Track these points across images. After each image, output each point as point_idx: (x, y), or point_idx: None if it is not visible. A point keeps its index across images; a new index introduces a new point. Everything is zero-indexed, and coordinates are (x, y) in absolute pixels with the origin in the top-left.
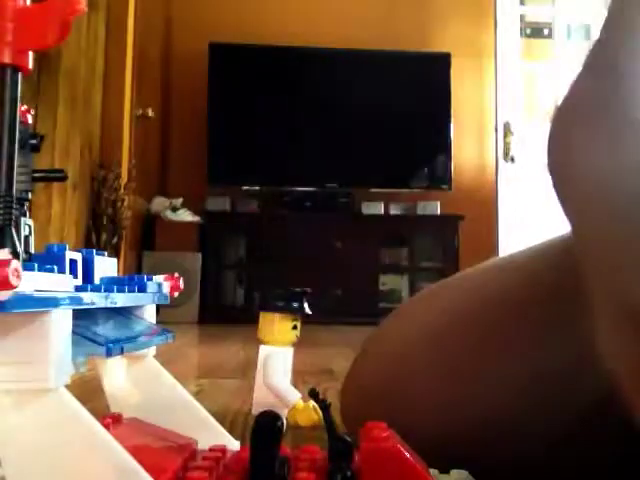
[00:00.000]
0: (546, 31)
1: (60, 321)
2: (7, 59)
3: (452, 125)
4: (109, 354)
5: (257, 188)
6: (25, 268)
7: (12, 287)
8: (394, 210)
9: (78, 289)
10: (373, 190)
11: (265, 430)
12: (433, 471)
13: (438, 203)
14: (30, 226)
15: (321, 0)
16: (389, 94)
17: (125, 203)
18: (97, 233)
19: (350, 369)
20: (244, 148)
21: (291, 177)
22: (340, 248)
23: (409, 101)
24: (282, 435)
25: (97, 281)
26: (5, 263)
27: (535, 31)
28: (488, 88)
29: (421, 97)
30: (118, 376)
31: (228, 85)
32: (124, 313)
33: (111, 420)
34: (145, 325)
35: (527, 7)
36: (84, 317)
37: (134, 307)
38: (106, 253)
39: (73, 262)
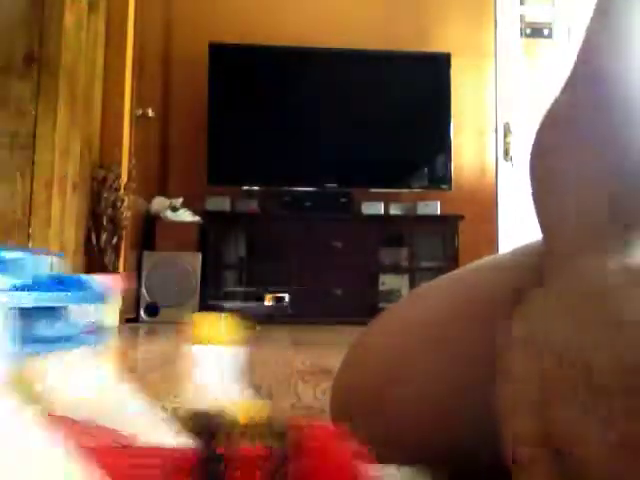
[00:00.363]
0: (546, 31)
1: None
2: None
3: (452, 125)
4: (26, 353)
5: (257, 188)
6: None
7: None
8: (394, 210)
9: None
10: (373, 190)
11: (201, 428)
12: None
13: (438, 203)
14: None
15: (321, 0)
16: (389, 94)
17: (125, 203)
18: (97, 233)
19: (338, 371)
20: (244, 148)
21: (291, 177)
22: (340, 248)
23: (409, 101)
24: (219, 433)
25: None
26: None
27: (535, 31)
28: (488, 88)
29: (421, 97)
30: (59, 374)
31: (228, 85)
32: (56, 313)
33: (61, 420)
34: (74, 324)
35: (527, 7)
36: (21, 317)
37: (69, 306)
38: (45, 251)
39: (5, 261)
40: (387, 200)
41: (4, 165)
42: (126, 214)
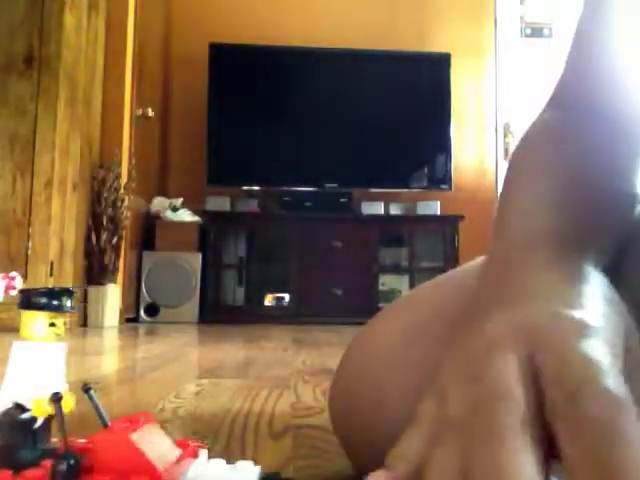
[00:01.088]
0: (546, 31)
1: None
2: None
3: (452, 125)
4: None
5: (257, 188)
6: None
7: None
8: (394, 210)
9: None
10: (373, 190)
11: (6, 422)
12: (218, 460)
13: (438, 203)
14: None
15: (321, 1)
16: (389, 94)
17: (125, 203)
18: (97, 233)
19: (337, 370)
20: (244, 148)
21: (291, 177)
22: (340, 248)
23: (409, 101)
24: (29, 426)
25: None
26: None
27: (535, 31)
28: (488, 88)
29: (421, 97)
30: None
31: (228, 85)
32: None
33: None
34: None
35: (527, 7)
36: None
37: None
38: None
39: None
40: (387, 200)
41: (4, 165)
42: (126, 214)
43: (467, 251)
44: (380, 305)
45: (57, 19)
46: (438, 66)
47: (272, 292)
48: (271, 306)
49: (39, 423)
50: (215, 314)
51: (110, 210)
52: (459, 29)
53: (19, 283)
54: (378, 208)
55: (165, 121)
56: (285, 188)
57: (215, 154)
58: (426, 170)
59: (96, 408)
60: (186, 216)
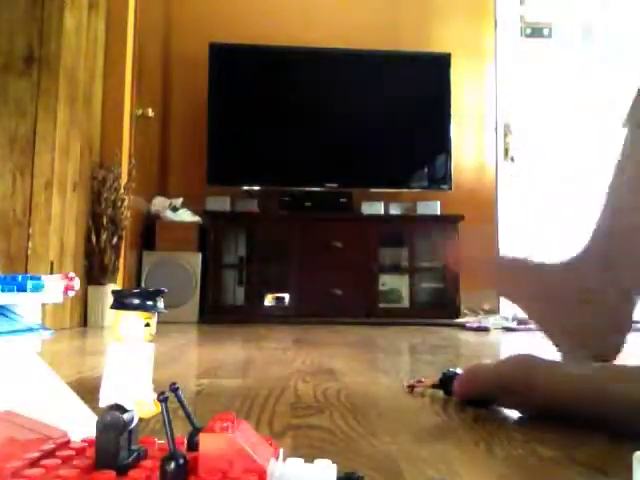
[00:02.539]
0: (546, 31)
1: None
2: None
3: (452, 125)
4: None
5: (257, 188)
6: None
7: None
8: (394, 210)
9: None
10: (373, 190)
11: (108, 421)
12: (296, 460)
13: (438, 203)
14: None
15: (322, 1)
16: (389, 94)
17: (125, 203)
18: (97, 233)
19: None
20: (244, 148)
21: (291, 177)
22: (340, 248)
23: (409, 101)
24: (127, 427)
25: None
26: None
27: (535, 31)
28: (488, 88)
29: (421, 97)
30: None
31: (228, 85)
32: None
33: None
34: (17, 322)
35: (527, 7)
36: None
37: (11, 305)
38: None
39: None
40: (387, 200)
41: (4, 165)
42: (126, 214)
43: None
44: (380, 305)
45: (57, 19)
46: (438, 66)
47: (272, 292)
48: (271, 306)
49: (134, 424)
50: (215, 314)
51: (110, 210)
52: (459, 29)
53: (77, 284)
54: (378, 208)
55: (165, 121)
56: (285, 188)
57: (215, 154)
58: (426, 170)
59: (184, 409)
60: (186, 216)
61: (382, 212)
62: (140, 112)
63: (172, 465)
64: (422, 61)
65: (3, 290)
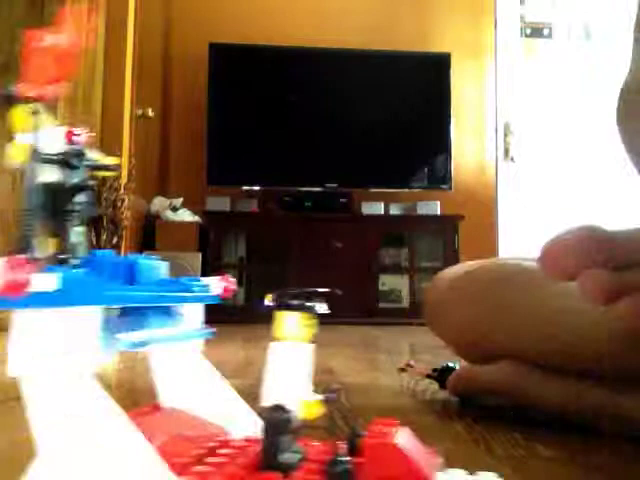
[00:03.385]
0: (546, 31)
1: (89, 317)
2: (32, 93)
3: (452, 125)
4: (131, 348)
5: (257, 188)
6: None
7: (28, 287)
8: (394, 210)
9: (103, 289)
10: (373, 190)
11: (273, 421)
12: (459, 471)
13: (438, 203)
14: (81, 233)
15: (321, 1)
16: (389, 94)
17: (125, 203)
18: (97, 233)
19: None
20: (244, 148)
21: (291, 177)
22: (340, 248)
23: (409, 101)
24: (291, 427)
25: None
26: (22, 265)
27: (535, 31)
28: (488, 88)
29: (421, 97)
30: (166, 370)
31: (228, 85)
32: (170, 312)
33: (148, 409)
34: (184, 323)
35: (527, 7)
36: (130, 314)
37: (179, 306)
38: (157, 257)
39: (118, 265)
40: (387, 200)
41: (4, 165)
42: (126, 214)
43: (467, 251)
44: (380, 305)
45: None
46: (438, 66)
47: (272, 292)
48: (271, 306)
49: (297, 425)
50: (215, 314)
51: (110, 210)
52: (459, 29)
53: (234, 285)
54: (378, 208)
55: (165, 121)
56: (285, 188)
57: (215, 154)
58: (426, 170)
59: (342, 413)
60: (186, 216)
61: (382, 212)
62: (140, 112)
63: (339, 469)
64: (422, 61)
65: (173, 292)
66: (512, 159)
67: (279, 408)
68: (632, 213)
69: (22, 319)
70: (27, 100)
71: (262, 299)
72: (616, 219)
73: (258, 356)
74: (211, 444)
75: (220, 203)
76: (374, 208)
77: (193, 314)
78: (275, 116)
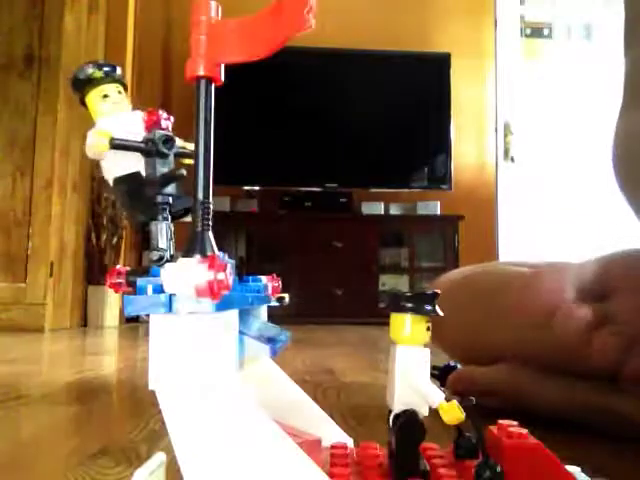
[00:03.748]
0: (546, 31)
1: (233, 320)
2: (200, 71)
3: (452, 125)
4: (273, 353)
5: (257, 188)
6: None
7: (229, 289)
8: (394, 210)
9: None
10: (373, 190)
11: (410, 427)
12: (575, 469)
13: (438, 203)
14: (172, 230)
15: (321, 1)
16: (389, 94)
17: None
18: (97, 233)
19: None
20: (244, 148)
21: (291, 177)
22: (340, 248)
23: (409, 101)
24: (424, 433)
25: None
26: (224, 267)
27: (535, 31)
28: (488, 88)
29: (421, 97)
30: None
31: (228, 85)
32: (249, 314)
33: None
34: (267, 325)
35: (527, 7)
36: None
37: (254, 308)
38: (226, 255)
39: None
40: (387, 200)
41: (4, 164)
42: None
43: (467, 251)
44: (380, 305)
45: (57, 19)
46: (438, 66)
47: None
48: (271, 306)
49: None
50: None
51: (110, 210)
52: (459, 29)
53: (280, 284)
54: (378, 208)
55: None
56: (285, 188)
57: (215, 154)
58: (426, 170)
59: (473, 421)
60: (186, 216)
61: (382, 212)
62: None
63: (489, 473)
64: (422, 61)
65: (249, 292)
66: (512, 159)
67: (411, 414)
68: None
69: (163, 327)
70: (194, 80)
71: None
72: (616, 219)
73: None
74: (329, 452)
75: (220, 203)
76: (374, 208)
77: (263, 315)
78: (275, 116)
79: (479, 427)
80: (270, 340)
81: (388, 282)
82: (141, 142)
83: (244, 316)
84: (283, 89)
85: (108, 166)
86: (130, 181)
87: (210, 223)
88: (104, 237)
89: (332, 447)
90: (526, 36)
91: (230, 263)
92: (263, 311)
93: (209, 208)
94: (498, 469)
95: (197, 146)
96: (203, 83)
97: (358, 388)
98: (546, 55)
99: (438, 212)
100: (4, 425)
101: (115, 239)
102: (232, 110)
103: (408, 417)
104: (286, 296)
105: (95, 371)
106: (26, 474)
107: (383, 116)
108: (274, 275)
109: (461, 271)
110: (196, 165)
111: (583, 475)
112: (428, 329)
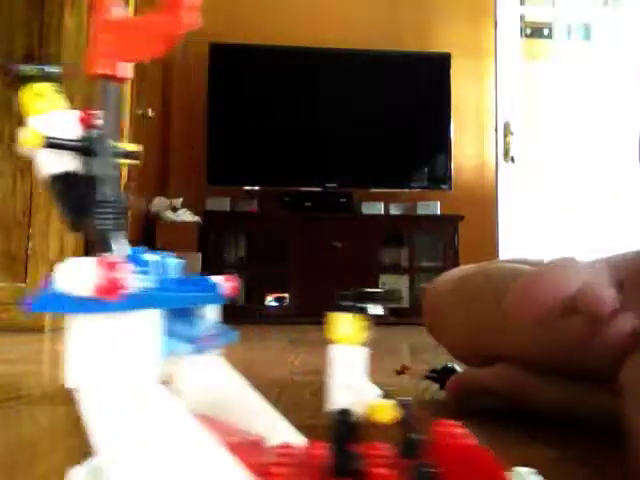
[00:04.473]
0: (546, 31)
1: (154, 320)
2: (104, 70)
3: (452, 125)
4: (196, 352)
5: (257, 188)
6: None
7: (127, 289)
8: (394, 210)
9: (161, 289)
10: (373, 190)
11: (344, 426)
12: (524, 469)
13: (438, 203)
14: (110, 230)
15: (321, 0)
16: (389, 94)
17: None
18: None
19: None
20: (244, 148)
21: (291, 177)
22: (340, 248)
23: (409, 101)
24: (359, 432)
25: (167, 282)
26: (120, 266)
27: (535, 31)
28: (488, 88)
29: (421, 97)
30: (187, 374)
31: (228, 85)
32: (191, 313)
33: None
34: (212, 324)
35: (527, 7)
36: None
37: (200, 307)
38: (173, 253)
39: (149, 263)
40: (387, 200)
41: (4, 164)
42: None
43: (467, 251)
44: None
45: (57, 19)
46: (438, 66)
47: (272, 292)
48: (271, 306)
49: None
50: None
51: None
52: (459, 29)
53: (238, 283)
54: (378, 208)
55: (165, 121)
56: (285, 188)
57: (215, 154)
58: (426, 170)
59: (406, 419)
60: (186, 216)
61: (382, 212)
62: (140, 112)
63: (425, 473)
64: (422, 61)
65: (194, 291)
66: (512, 159)
67: (346, 413)
68: (632, 213)
69: (81, 325)
70: (94, 78)
71: (261, 299)
72: (616, 219)
73: (258, 356)
74: (271, 451)
75: (220, 203)
76: (374, 208)
77: (213, 315)
78: (275, 116)
79: (414, 427)
80: (199, 339)
81: (388, 282)
82: (77, 141)
83: (186, 316)
84: (283, 89)
85: (42, 164)
86: (64, 180)
87: (121, 222)
88: None
89: (279, 447)
90: (526, 36)
91: (174, 262)
92: (211, 311)
93: (118, 207)
94: (433, 470)
95: (103, 146)
96: (106, 82)
97: None
98: (546, 55)
99: (438, 212)
100: (4, 425)
101: None
102: (232, 110)
103: (342, 416)
104: (286, 296)
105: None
106: (26, 474)
107: (383, 116)
108: (230, 275)
109: (460, 270)
110: (103, 165)
111: (534, 477)
112: (365, 328)
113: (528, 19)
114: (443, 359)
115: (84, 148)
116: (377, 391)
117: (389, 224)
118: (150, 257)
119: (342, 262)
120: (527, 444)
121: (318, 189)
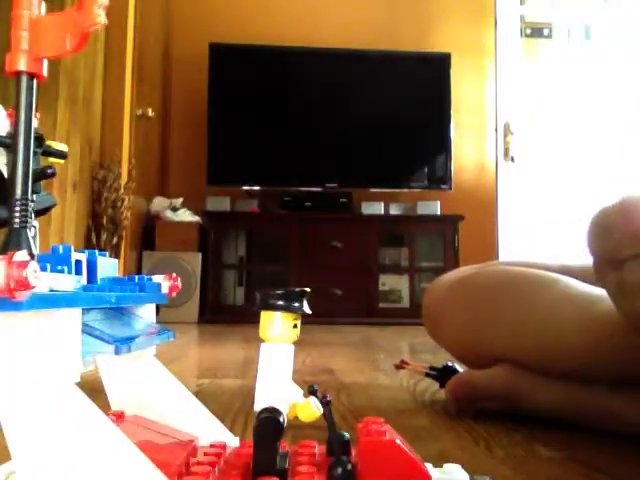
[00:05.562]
0: (546, 31)
1: (72, 320)
2: (22, 67)
3: (452, 125)
4: (117, 352)
5: (257, 188)
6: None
7: (31, 287)
8: (394, 210)
9: (86, 289)
10: (373, 190)
11: (267, 426)
12: (427, 464)
13: (438, 203)
14: (35, 227)
15: (322, 1)
16: (389, 94)
17: (125, 203)
18: (97, 233)
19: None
20: (244, 148)
21: (291, 177)
22: (340, 248)
23: (409, 101)
24: (283, 431)
25: (99, 281)
26: (24, 264)
27: (535, 31)
28: (488, 88)
29: (421, 97)
30: (119, 374)
31: (228, 85)
32: (125, 312)
33: (114, 417)
34: (145, 324)
35: (527, 7)
36: (87, 316)
37: (134, 306)
38: (107, 254)
39: (78, 263)
40: (387, 200)
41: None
42: (126, 214)
43: (467, 251)
44: (380, 305)
45: None
46: (438, 66)
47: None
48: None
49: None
50: (215, 314)
51: (110, 210)
52: (459, 29)
53: (180, 283)
54: (378, 208)
55: (165, 121)
56: (285, 188)
57: (215, 154)
58: (426, 170)
59: (328, 418)
60: (186, 216)
61: (382, 212)
62: (140, 112)
63: (340, 470)
64: (422, 61)
65: (127, 291)
66: (512, 159)
67: (272, 411)
68: None
69: None
70: (15, 75)
71: (253, 299)
72: None
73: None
74: (188, 451)
75: (220, 203)
76: (374, 208)
77: (148, 314)
78: (275, 116)
79: (333, 425)
80: (121, 340)
81: (388, 282)
82: (5, 137)
83: (120, 315)
84: (283, 89)
85: None
86: None
87: (29, 220)
88: (104, 237)
89: (209, 446)
90: (526, 36)
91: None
92: (148, 310)
93: (27, 205)
94: (349, 466)
95: (16, 143)
96: (24, 79)
97: (358, 388)
98: (546, 55)
99: (438, 212)
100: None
101: (115, 239)
102: (232, 110)
103: (266, 415)
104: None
105: (95, 370)
106: None
107: (383, 116)
108: (172, 275)
109: (460, 271)
110: (15, 162)
111: (462, 473)
112: (295, 326)
113: (528, 19)
114: (443, 359)
115: (9, 144)
116: (300, 390)
117: (389, 224)
118: (77, 256)
119: (342, 262)
120: (527, 444)
121: (318, 189)
